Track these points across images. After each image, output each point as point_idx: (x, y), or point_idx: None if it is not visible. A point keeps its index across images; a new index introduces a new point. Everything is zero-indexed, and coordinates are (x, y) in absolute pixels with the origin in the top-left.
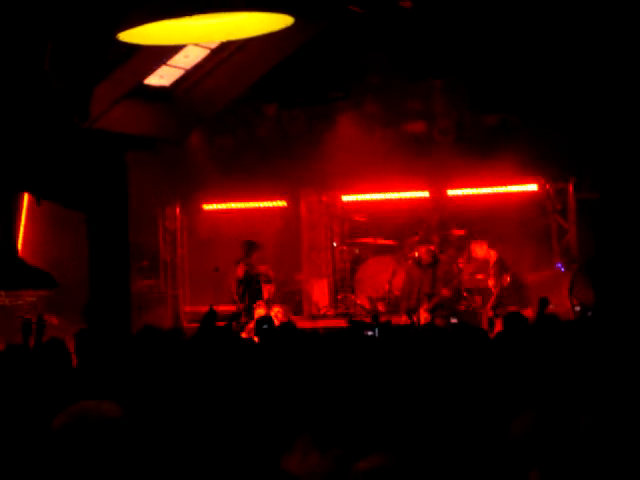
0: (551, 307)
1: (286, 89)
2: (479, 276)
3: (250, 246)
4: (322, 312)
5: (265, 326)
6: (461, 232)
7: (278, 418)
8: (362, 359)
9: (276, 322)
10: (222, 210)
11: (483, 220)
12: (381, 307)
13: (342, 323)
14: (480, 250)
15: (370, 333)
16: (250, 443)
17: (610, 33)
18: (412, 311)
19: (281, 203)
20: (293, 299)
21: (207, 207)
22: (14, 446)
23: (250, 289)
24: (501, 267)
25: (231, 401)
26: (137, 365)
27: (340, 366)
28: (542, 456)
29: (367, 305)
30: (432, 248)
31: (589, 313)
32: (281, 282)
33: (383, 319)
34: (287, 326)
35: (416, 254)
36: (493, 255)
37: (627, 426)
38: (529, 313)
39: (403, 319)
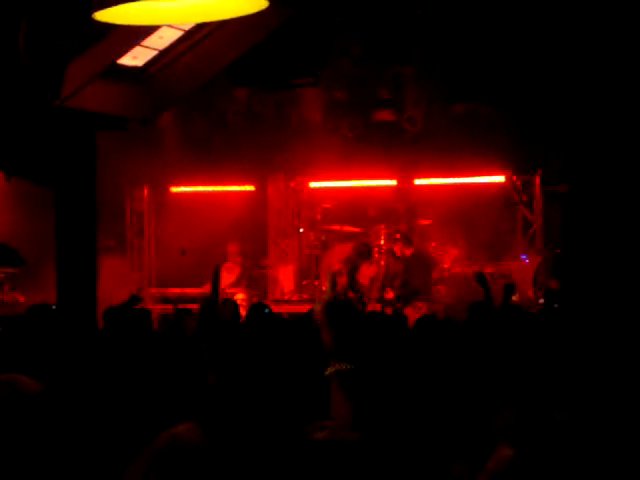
0: (514, 298)
1: (256, 73)
2: None
3: None
4: (286, 297)
5: (266, 310)
6: (427, 222)
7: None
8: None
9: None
10: (190, 193)
11: (449, 210)
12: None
13: (305, 309)
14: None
15: None
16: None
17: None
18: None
19: (249, 188)
20: (258, 284)
21: (175, 190)
22: None
23: None
24: None
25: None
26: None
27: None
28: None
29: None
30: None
31: (555, 305)
32: (247, 267)
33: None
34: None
35: (381, 242)
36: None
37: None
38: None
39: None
